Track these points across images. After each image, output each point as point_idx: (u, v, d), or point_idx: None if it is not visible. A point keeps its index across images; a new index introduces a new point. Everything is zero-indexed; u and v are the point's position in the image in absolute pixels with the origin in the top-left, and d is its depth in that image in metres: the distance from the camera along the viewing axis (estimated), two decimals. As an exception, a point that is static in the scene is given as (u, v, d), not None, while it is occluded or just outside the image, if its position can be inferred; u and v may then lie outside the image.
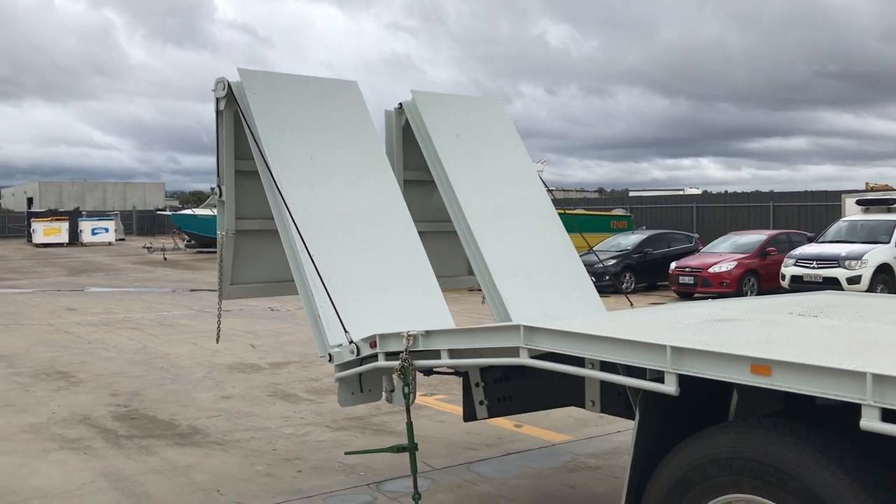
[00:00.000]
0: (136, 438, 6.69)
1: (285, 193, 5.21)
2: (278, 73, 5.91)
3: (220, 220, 5.94)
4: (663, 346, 2.86)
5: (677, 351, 2.83)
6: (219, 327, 6.31)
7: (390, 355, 4.37)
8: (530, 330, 3.43)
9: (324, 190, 5.48)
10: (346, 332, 4.75)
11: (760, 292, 17.88)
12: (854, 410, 2.38)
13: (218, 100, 5.65)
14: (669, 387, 2.84)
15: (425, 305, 5.30)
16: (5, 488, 5.46)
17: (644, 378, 3.01)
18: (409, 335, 4.11)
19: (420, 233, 5.90)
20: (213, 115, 5.70)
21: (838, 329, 3.37)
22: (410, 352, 4.13)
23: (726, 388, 3.22)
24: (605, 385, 4.11)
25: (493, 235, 5.82)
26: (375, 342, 4.46)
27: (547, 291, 5.76)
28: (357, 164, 5.76)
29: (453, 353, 3.99)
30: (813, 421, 2.71)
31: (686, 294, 18.24)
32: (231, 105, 5.63)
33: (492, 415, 4.83)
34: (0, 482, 5.59)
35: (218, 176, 5.83)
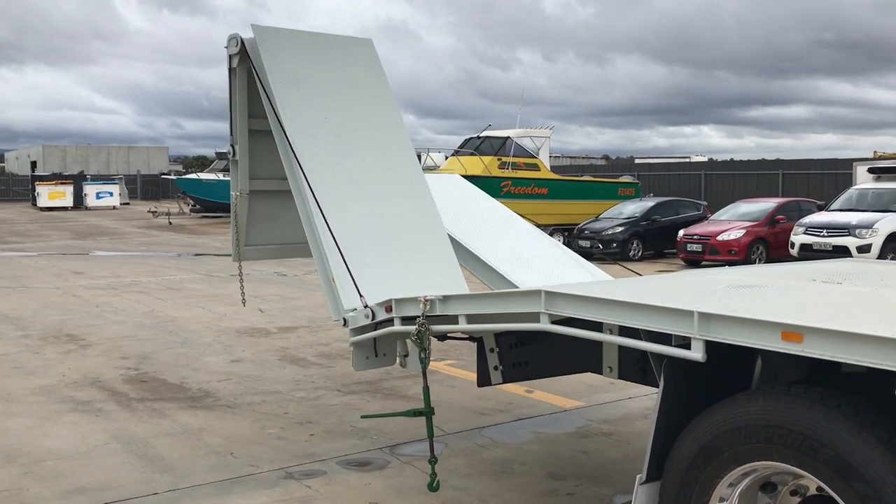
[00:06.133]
0: (148, 401, 6.69)
1: (300, 154, 5.08)
2: (293, 29, 5.71)
3: (234, 180, 5.85)
4: (690, 312, 2.81)
5: (705, 317, 2.78)
6: (242, 290, 6.46)
7: (406, 320, 4.34)
8: (551, 295, 3.39)
9: (339, 151, 5.35)
10: (360, 296, 4.72)
11: (769, 261, 17.80)
12: (886, 378, 2.33)
13: (231, 56, 5.51)
14: (696, 353, 2.80)
15: (439, 271, 5.27)
16: (19, 450, 5.47)
17: (668, 344, 2.97)
18: (426, 300, 4.07)
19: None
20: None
21: (865, 296, 3.32)
22: (427, 316, 4.10)
23: (749, 355, 3.18)
24: (623, 351, 4.07)
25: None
26: (391, 307, 4.43)
27: (547, 270, 5.80)
28: (373, 125, 5.61)
29: (471, 319, 3.95)
30: (840, 389, 2.67)
31: (694, 262, 18.17)
32: (244, 62, 5.47)
33: (506, 380, 4.81)
34: (13, 443, 5.60)
35: (231, 135, 5.70)
